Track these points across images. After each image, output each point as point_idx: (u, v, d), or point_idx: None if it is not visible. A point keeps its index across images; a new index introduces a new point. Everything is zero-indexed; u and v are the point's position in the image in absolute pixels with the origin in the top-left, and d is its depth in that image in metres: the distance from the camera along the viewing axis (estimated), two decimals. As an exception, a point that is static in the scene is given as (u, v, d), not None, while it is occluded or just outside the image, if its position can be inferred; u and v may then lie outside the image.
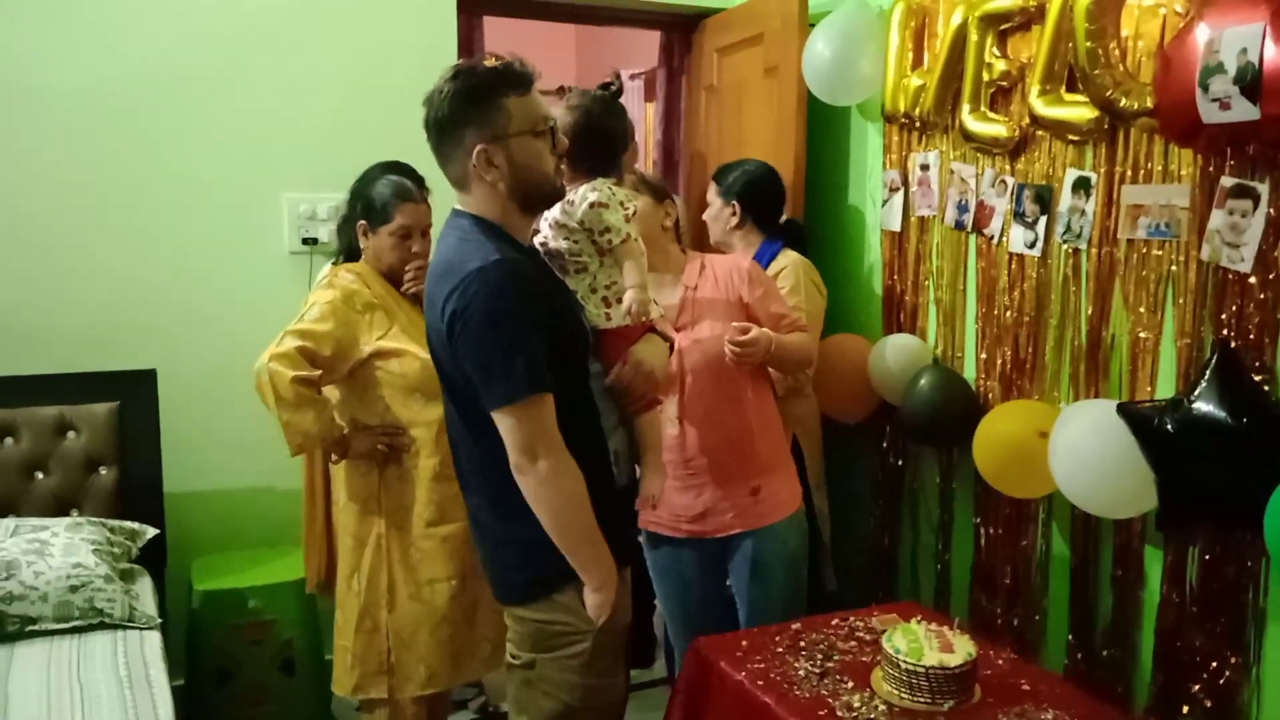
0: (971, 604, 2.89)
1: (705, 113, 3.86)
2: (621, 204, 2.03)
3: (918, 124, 2.94)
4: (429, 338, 1.91)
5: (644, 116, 6.12)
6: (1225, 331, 2.13)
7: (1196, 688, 2.25)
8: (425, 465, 2.43)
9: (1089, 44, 2.28)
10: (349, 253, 2.60)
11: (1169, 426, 2.05)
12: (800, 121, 3.27)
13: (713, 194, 2.98)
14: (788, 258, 2.90)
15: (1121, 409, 2.16)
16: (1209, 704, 2.23)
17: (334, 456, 2.48)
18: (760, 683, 2.05)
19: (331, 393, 2.48)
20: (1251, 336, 2.09)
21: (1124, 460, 2.13)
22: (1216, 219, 2.12)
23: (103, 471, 3.01)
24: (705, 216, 3.03)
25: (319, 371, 2.35)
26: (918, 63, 2.96)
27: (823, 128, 3.37)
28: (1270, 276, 2.04)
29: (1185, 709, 2.27)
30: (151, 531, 2.92)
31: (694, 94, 3.94)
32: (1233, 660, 2.18)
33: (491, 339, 1.73)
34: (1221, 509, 2.07)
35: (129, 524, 2.90)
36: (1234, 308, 2.12)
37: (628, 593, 2.02)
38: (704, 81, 3.84)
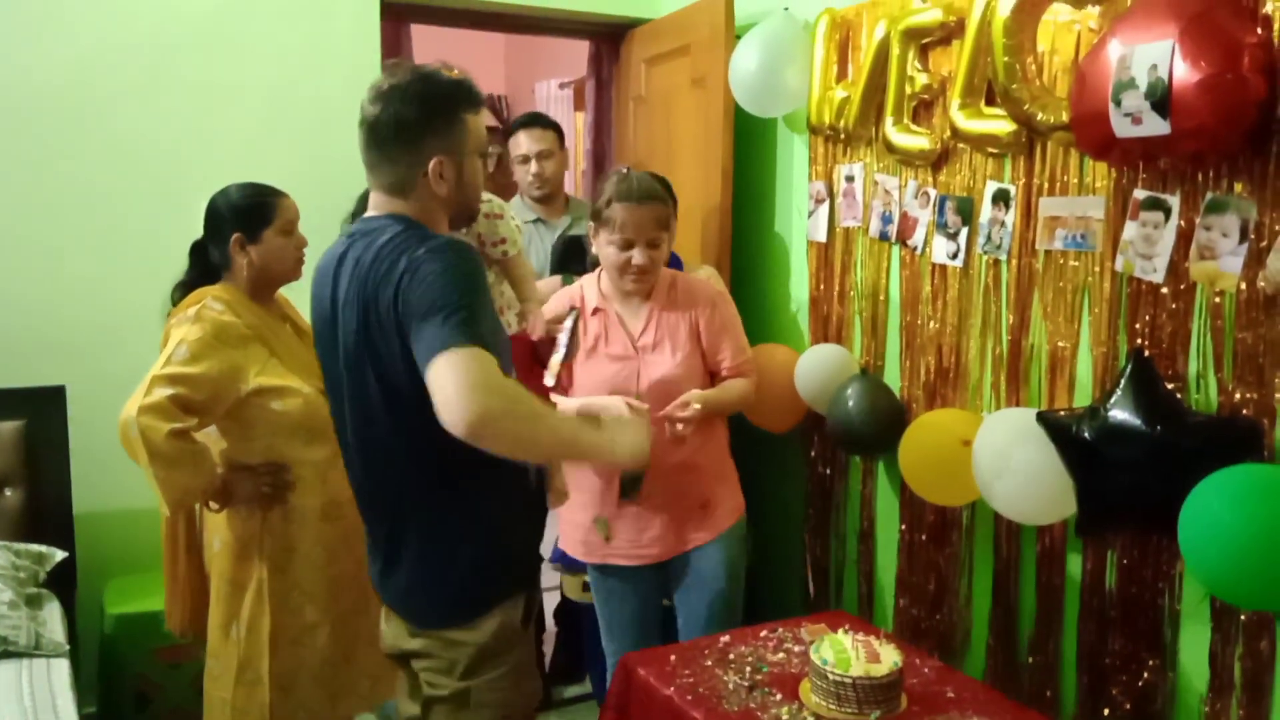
0: (897, 611, 2.91)
1: (634, 123, 3.86)
2: (511, 216, 2.06)
3: (842, 136, 2.97)
4: (339, 344, 1.78)
5: (573, 125, 6.12)
6: (1140, 340, 2.18)
7: (1116, 691, 2.29)
8: (311, 505, 2.28)
9: (1006, 59, 2.32)
10: (193, 282, 2.35)
11: (1086, 434, 2.09)
12: (727, 132, 3.28)
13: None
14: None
15: (1040, 417, 2.19)
16: (1128, 706, 2.27)
17: (214, 506, 2.27)
18: (689, 697, 2.03)
19: (209, 434, 2.29)
20: (1164, 345, 2.14)
21: (1044, 468, 2.17)
22: (1130, 230, 2.17)
23: (8, 492, 2.89)
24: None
25: (194, 420, 2.15)
26: (842, 75, 2.99)
27: (749, 139, 3.39)
28: (1181, 287, 2.09)
29: (1106, 711, 2.31)
30: (60, 554, 2.81)
31: (622, 104, 3.93)
32: (1150, 663, 2.23)
33: (449, 285, 1.61)
34: (1138, 514, 2.12)
35: (35, 547, 2.79)
36: (1147, 317, 2.17)
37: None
38: (632, 92, 3.84)
